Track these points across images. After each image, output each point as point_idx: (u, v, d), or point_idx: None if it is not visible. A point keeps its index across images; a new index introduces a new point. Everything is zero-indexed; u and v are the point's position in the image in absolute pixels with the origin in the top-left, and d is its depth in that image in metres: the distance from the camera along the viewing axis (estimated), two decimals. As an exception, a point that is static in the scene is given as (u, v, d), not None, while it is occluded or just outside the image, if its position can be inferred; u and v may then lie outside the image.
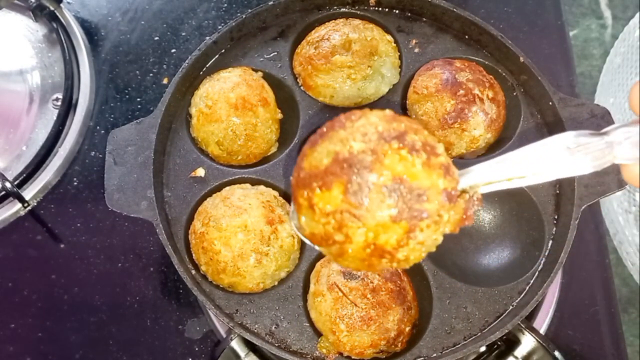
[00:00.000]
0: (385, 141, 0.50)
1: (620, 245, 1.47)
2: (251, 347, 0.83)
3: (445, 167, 0.51)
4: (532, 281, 0.80)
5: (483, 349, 0.86)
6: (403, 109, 0.91)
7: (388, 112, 0.54)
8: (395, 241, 0.50)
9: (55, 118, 1.06)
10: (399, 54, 0.94)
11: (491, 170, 0.53)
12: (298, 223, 0.55)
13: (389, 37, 0.94)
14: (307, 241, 0.56)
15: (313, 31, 0.93)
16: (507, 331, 0.74)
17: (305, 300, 0.80)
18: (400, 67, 0.93)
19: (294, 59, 0.94)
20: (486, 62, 0.92)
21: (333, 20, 0.94)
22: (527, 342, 0.81)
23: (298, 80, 0.92)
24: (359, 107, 0.90)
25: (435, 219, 0.50)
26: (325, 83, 0.89)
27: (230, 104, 0.86)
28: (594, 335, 0.96)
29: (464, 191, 0.53)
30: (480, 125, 0.85)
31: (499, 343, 0.85)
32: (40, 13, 1.13)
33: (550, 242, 0.82)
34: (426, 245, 0.52)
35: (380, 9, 0.97)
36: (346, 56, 0.89)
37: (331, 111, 0.89)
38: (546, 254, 0.82)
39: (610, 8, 2.26)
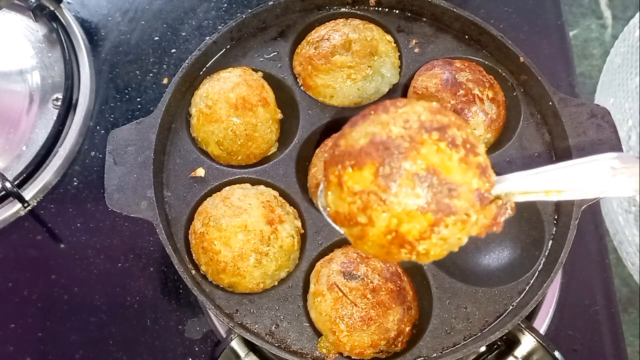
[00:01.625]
0: (425, 131, 0.49)
1: (620, 245, 1.47)
2: (251, 347, 0.83)
3: (483, 168, 0.50)
4: (532, 281, 0.80)
5: (483, 349, 0.86)
6: (403, 109, 0.91)
7: (435, 104, 0.53)
8: (417, 232, 0.49)
9: (55, 118, 1.06)
10: (399, 54, 0.94)
11: (529, 181, 0.53)
12: (325, 201, 0.55)
13: (389, 37, 0.94)
14: (330, 221, 0.55)
15: (313, 31, 0.93)
16: (507, 331, 0.74)
17: (305, 300, 0.80)
18: (400, 67, 0.93)
19: (294, 59, 0.94)
20: (486, 62, 0.92)
21: (333, 20, 0.94)
22: (527, 342, 0.81)
23: (298, 80, 0.92)
24: (359, 107, 0.90)
25: (462, 218, 0.49)
26: (325, 83, 0.89)
27: (230, 104, 0.86)
28: (594, 335, 0.96)
29: (497, 197, 0.52)
30: (480, 125, 0.85)
31: (499, 343, 0.85)
32: (40, 13, 1.13)
33: (550, 242, 0.82)
34: (449, 242, 0.51)
35: (380, 9, 0.97)
36: (346, 56, 0.89)
37: (331, 111, 0.89)
38: (546, 254, 0.82)
39: (610, 8, 2.26)
